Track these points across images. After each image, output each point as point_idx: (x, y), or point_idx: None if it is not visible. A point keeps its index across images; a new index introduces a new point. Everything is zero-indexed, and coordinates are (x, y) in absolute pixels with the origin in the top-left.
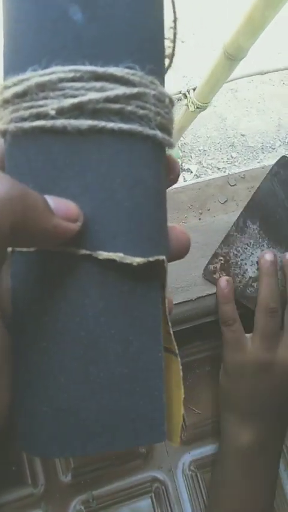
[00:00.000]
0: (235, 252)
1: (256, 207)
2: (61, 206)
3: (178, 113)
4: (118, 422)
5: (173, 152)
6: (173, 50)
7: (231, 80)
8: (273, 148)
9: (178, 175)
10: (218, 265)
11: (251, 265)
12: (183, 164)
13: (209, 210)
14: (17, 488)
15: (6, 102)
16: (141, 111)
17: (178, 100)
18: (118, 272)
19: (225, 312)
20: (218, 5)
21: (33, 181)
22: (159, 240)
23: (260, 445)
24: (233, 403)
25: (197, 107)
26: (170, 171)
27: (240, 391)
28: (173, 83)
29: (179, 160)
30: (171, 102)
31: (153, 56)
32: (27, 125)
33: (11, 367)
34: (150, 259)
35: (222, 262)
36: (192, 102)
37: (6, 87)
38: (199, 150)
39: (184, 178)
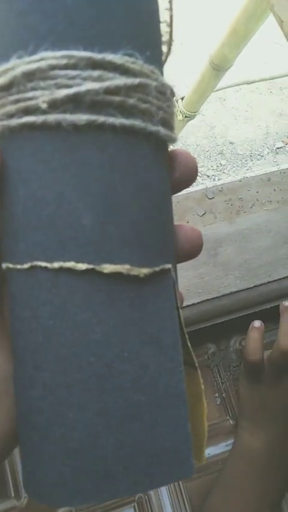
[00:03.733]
0: None
1: None
2: None
3: None
4: (139, 461)
5: None
6: (171, 35)
7: (219, 89)
8: (262, 156)
9: (195, 170)
10: None
11: None
12: None
13: (187, 222)
14: None
15: None
16: (143, 105)
17: None
18: (125, 285)
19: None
20: (206, 16)
21: (23, 187)
22: (165, 247)
23: (270, 450)
24: (249, 409)
25: (186, 116)
26: (179, 167)
27: (258, 399)
28: None
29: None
30: (172, 93)
31: (152, 42)
32: (14, 122)
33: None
34: (156, 269)
35: None
36: (180, 111)
37: None
38: None
39: None
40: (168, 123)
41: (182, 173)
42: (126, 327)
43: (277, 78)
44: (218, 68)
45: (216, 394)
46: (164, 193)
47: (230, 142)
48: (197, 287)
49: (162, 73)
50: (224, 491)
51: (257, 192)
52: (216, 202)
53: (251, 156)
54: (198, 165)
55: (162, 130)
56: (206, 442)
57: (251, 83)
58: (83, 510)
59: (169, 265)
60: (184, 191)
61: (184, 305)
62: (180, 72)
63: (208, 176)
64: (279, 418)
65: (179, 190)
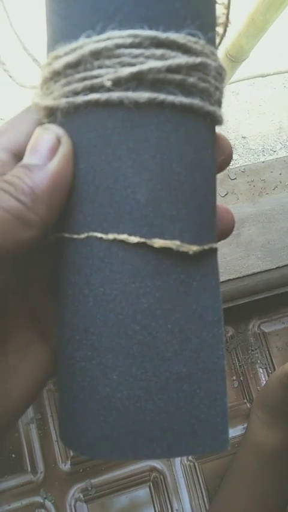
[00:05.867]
0: None
1: None
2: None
3: None
4: (176, 427)
5: None
6: (227, 17)
7: (233, 82)
8: (274, 151)
9: (230, 156)
10: None
11: None
12: None
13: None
14: (16, 476)
15: (57, 74)
16: (202, 84)
17: None
18: (174, 260)
19: None
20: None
21: (84, 161)
22: (212, 226)
23: (285, 451)
24: (274, 404)
25: None
26: (221, 152)
27: (281, 393)
28: None
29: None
30: (226, 76)
31: (212, 24)
32: (80, 99)
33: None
34: (205, 247)
35: None
36: None
37: (57, 57)
38: None
39: None
40: (221, 104)
41: (218, 228)
42: (172, 300)
43: None
44: (234, 59)
45: (234, 377)
46: (214, 172)
47: (243, 137)
48: (219, 267)
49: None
50: (232, 482)
51: (280, 174)
52: (239, 183)
53: (263, 151)
54: None
55: (218, 110)
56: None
57: (266, 76)
58: (101, 486)
59: (216, 245)
60: None
61: None
62: None
63: None
64: None
65: (218, 173)
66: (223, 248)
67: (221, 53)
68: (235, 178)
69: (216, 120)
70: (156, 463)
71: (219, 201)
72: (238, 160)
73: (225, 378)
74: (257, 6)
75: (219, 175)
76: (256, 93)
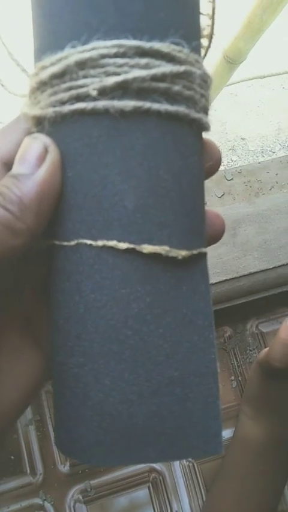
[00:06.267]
0: None
1: None
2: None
3: None
4: (169, 431)
5: None
6: (212, 28)
7: (231, 84)
8: (273, 152)
9: (219, 162)
10: None
11: None
12: None
13: (205, 204)
14: (15, 477)
15: (44, 84)
16: (187, 92)
17: None
18: (163, 265)
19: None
20: (219, 9)
21: (72, 169)
22: (201, 231)
23: (273, 444)
24: (255, 396)
25: None
26: (208, 157)
27: (268, 389)
28: None
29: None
30: (211, 83)
31: (196, 33)
32: (66, 108)
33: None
34: (194, 252)
35: None
36: None
37: (44, 68)
38: None
39: None
40: (207, 111)
41: (208, 233)
42: (162, 305)
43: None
44: (232, 61)
45: (232, 377)
46: (201, 178)
47: (242, 138)
48: (215, 267)
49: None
50: (223, 479)
51: (277, 175)
52: (235, 183)
53: (262, 152)
54: None
55: (203, 117)
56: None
57: (264, 77)
58: (101, 487)
59: (205, 249)
60: None
61: None
62: None
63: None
64: (285, 413)
65: (206, 179)
66: (220, 248)
67: (219, 55)
68: (232, 179)
69: (203, 126)
70: (155, 464)
71: (216, 202)
72: (237, 162)
73: (218, 381)
74: (253, 8)
75: (215, 176)
76: (255, 95)
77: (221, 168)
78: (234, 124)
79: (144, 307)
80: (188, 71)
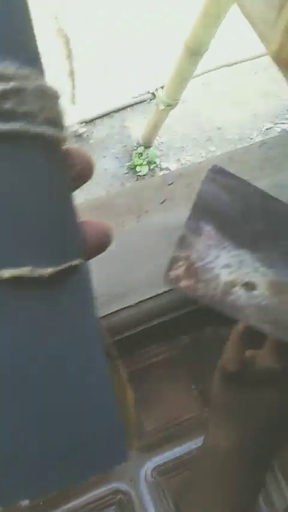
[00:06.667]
0: (198, 255)
1: (204, 209)
2: None
3: (150, 113)
4: (69, 455)
5: (150, 152)
6: (73, 84)
7: (199, 75)
8: (251, 139)
9: (89, 167)
10: (182, 271)
11: (222, 268)
12: (161, 163)
13: (147, 212)
14: None
15: None
16: (22, 108)
17: (150, 100)
18: (31, 287)
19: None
20: (180, 3)
21: None
22: (70, 244)
23: (240, 450)
24: (218, 403)
25: (167, 105)
26: (74, 165)
27: (231, 396)
28: (138, 84)
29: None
30: (57, 93)
31: (24, 44)
32: None
33: None
34: (62, 267)
35: (185, 267)
36: (161, 101)
37: None
38: (176, 147)
39: None
40: (55, 122)
41: (92, 241)
42: (38, 328)
43: (258, 58)
44: (194, 52)
45: (193, 386)
46: (60, 192)
47: (218, 128)
48: (161, 277)
49: (43, 75)
50: (192, 491)
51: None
52: (176, 188)
53: (240, 140)
54: (187, 154)
55: (48, 130)
56: (135, 429)
57: (232, 64)
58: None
59: (77, 262)
60: (143, 180)
61: (149, 296)
62: (156, 61)
63: (199, 163)
64: (249, 422)
65: (77, 188)
66: (161, 258)
67: (181, 47)
68: (172, 184)
69: (49, 139)
70: (120, 484)
71: (158, 208)
72: (216, 152)
73: (113, 390)
74: None
75: (156, 182)
76: (227, 83)
77: (174, 167)
78: (209, 114)
79: (16, 336)
80: (17, 87)
